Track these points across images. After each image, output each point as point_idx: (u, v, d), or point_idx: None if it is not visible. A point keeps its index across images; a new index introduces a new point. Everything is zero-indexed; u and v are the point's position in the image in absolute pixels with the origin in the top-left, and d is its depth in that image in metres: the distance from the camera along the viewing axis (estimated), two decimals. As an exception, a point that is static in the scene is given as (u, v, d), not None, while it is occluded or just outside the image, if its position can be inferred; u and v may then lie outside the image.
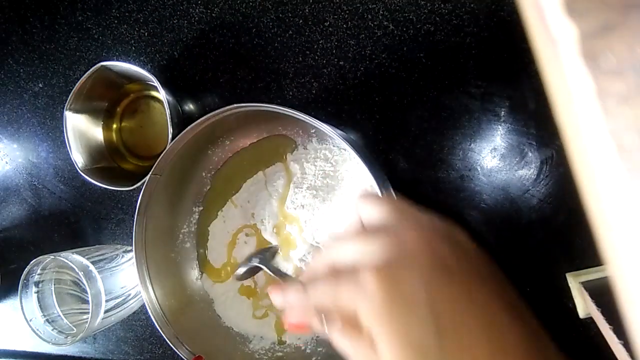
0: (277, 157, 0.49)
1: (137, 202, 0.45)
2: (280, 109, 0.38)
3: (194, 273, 0.51)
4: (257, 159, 0.50)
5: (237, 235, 0.50)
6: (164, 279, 0.48)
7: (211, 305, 0.50)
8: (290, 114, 0.38)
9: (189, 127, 0.43)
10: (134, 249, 0.45)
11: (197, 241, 0.52)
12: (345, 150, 0.45)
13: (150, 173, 0.44)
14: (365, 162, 0.36)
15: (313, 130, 0.46)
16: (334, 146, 0.46)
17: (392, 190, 0.39)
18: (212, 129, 0.45)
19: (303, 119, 0.38)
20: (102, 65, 0.48)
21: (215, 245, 0.51)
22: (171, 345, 0.44)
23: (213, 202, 0.51)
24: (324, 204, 0.45)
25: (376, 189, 0.37)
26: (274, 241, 0.48)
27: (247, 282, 0.50)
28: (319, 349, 0.46)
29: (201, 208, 0.52)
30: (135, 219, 0.45)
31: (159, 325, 0.44)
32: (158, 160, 0.44)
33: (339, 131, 0.39)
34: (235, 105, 0.41)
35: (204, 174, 0.51)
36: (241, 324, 0.49)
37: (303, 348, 0.47)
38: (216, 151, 0.50)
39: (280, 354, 0.47)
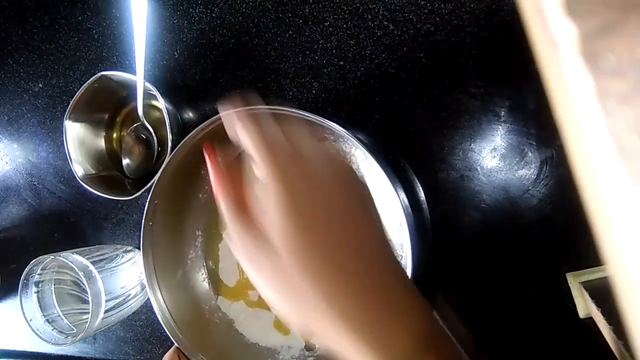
0: None
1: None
2: (287, 110, 0.38)
3: (209, 296, 0.51)
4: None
5: None
6: (182, 308, 0.47)
7: (232, 325, 0.50)
8: (299, 114, 0.38)
9: (179, 146, 0.42)
10: (146, 282, 0.45)
11: (206, 264, 0.51)
12: (351, 149, 0.44)
13: (147, 201, 0.44)
14: (380, 162, 0.36)
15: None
16: (334, 142, 0.45)
17: (402, 193, 0.39)
18: (199, 145, 0.44)
19: (312, 118, 0.37)
20: (102, 75, 0.48)
21: (225, 264, 0.50)
22: None
23: (215, 222, 0.51)
24: None
25: (390, 189, 0.37)
26: None
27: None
28: None
29: (204, 230, 0.51)
30: (141, 251, 0.45)
31: (188, 354, 0.44)
32: (153, 186, 0.44)
33: (347, 131, 0.38)
34: (223, 113, 0.40)
35: (200, 195, 0.50)
36: (266, 338, 0.48)
37: None
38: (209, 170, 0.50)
39: (311, 358, 0.46)
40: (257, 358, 0.48)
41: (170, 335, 0.44)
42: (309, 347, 0.47)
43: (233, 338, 0.49)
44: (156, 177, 0.44)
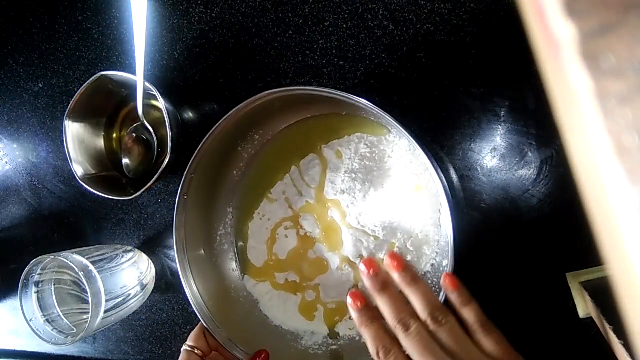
0: (310, 147, 0.47)
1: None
2: (330, 92, 0.37)
3: (236, 275, 0.50)
4: (289, 150, 0.49)
5: (276, 230, 0.49)
6: (208, 284, 0.47)
7: (257, 306, 0.49)
8: (335, 95, 0.37)
9: (222, 120, 0.42)
10: (176, 256, 0.45)
11: (236, 242, 0.51)
12: (395, 139, 0.44)
13: (185, 173, 0.44)
14: (427, 154, 0.36)
15: (344, 113, 0.46)
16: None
17: (443, 177, 0.38)
18: (241, 121, 0.44)
19: (360, 103, 0.37)
20: (102, 75, 0.48)
21: (255, 244, 0.50)
22: (226, 348, 0.43)
23: (247, 200, 0.50)
24: (364, 187, 0.44)
25: (432, 171, 0.36)
26: (316, 230, 0.47)
27: (292, 278, 0.48)
28: None
29: (236, 208, 0.51)
30: (174, 224, 0.44)
31: (211, 330, 0.44)
32: (191, 160, 0.44)
33: (396, 119, 0.37)
34: (270, 91, 0.40)
35: (234, 172, 0.50)
36: (290, 322, 0.48)
37: (357, 339, 0.45)
38: (246, 147, 0.49)
39: (334, 347, 0.46)
40: (279, 341, 0.47)
41: (196, 311, 0.44)
42: (332, 335, 0.46)
43: (256, 318, 0.48)
44: (196, 151, 0.43)
